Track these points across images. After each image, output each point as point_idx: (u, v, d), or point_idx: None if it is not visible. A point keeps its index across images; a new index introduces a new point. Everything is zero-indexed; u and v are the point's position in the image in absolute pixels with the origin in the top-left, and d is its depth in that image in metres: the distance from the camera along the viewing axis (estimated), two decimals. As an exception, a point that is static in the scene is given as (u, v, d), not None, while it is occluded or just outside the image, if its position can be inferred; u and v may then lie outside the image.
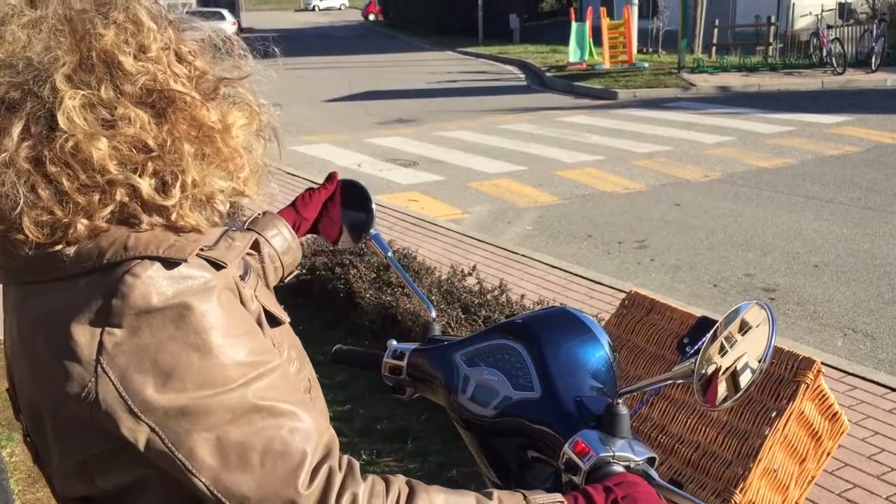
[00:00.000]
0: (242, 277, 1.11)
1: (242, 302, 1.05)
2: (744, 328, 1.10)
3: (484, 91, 16.98)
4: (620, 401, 1.18)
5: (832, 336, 4.89)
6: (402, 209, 7.51)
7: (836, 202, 7.76)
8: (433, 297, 4.05)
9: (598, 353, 1.32)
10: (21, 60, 0.98)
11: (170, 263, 0.96)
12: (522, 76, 19.63)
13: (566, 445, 1.15)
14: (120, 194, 0.98)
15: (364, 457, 3.42)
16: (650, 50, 20.39)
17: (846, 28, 17.80)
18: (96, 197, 0.97)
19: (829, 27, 17.14)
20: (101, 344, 0.94)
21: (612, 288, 5.33)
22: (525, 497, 1.09)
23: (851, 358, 4.49)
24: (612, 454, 1.11)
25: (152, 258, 0.96)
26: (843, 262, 6.13)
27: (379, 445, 3.51)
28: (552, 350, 1.31)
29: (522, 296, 4.25)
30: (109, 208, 0.97)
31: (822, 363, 1.59)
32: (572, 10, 22.74)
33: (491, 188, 8.77)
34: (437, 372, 1.44)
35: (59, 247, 0.97)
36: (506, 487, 1.39)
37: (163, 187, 1.00)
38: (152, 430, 0.94)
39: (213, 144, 1.03)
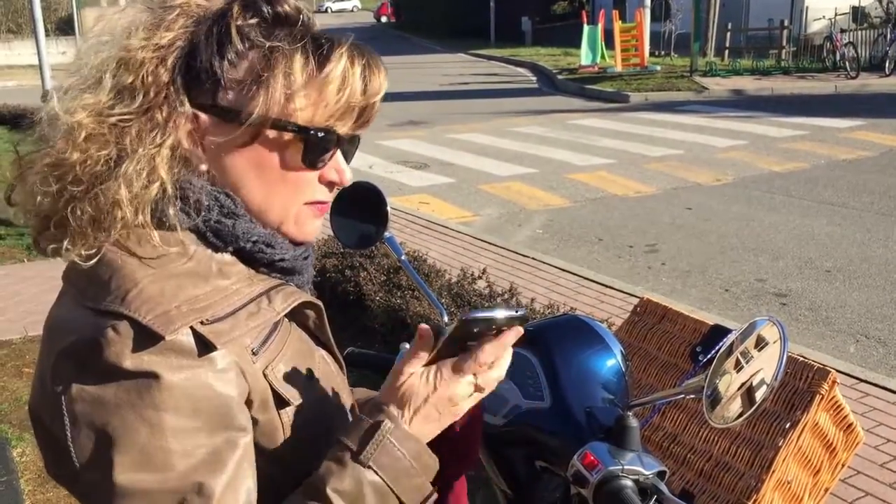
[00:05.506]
0: (255, 352, 0.95)
1: (246, 378, 0.93)
2: (760, 344, 1.09)
3: (495, 93, 16.97)
4: (631, 413, 1.16)
5: (844, 342, 4.85)
6: (412, 211, 7.50)
7: (849, 207, 7.71)
8: (443, 300, 4.04)
9: (610, 363, 1.30)
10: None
11: (152, 334, 0.86)
12: (534, 79, 19.62)
13: (575, 457, 1.13)
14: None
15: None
16: (662, 53, 20.35)
17: (860, 32, 17.73)
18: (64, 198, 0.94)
19: (842, 31, 17.07)
20: (68, 384, 0.87)
21: (622, 292, 5.30)
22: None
23: (864, 364, 4.45)
24: (621, 467, 1.10)
25: (138, 323, 0.87)
26: (856, 268, 6.08)
27: (387, 449, 3.49)
28: (563, 359, 1.29)
29: (532, 299, 4.23)
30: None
31: (835, 370, 1.57)
32: (584, 12, 22.67)
33: (501, 191, 8.75)
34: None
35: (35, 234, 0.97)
36: (516, 495, 1.37)
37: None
38: (76, 488, 0.90)
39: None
